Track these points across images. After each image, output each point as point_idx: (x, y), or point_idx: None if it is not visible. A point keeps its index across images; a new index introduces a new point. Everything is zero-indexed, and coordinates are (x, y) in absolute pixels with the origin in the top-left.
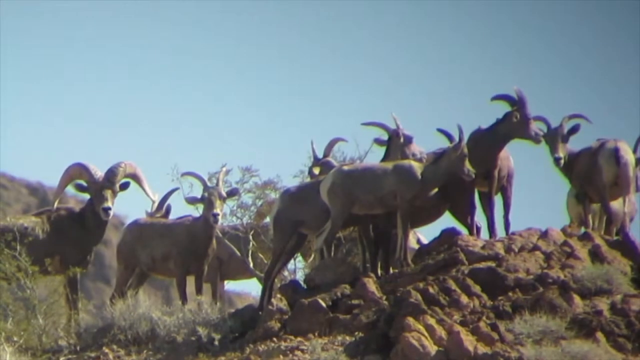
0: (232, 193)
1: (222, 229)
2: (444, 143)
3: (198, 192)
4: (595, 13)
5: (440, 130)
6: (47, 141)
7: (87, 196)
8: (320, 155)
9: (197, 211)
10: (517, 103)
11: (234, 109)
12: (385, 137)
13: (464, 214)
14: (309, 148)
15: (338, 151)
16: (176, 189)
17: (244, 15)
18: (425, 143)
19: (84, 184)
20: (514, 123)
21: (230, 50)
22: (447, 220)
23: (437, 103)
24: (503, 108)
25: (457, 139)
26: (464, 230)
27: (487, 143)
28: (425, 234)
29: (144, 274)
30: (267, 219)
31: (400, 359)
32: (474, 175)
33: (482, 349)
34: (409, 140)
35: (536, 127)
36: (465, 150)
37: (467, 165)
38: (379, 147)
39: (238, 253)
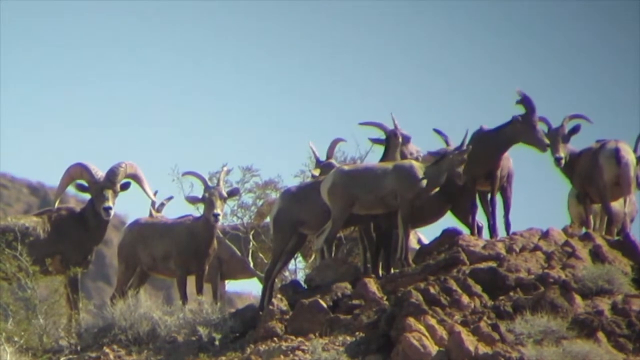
0: (233, 193)
1: (222, 229)
2: (441, 143)
3: (199, 191)
4: (596, 13)
5: (437, 131)
6: (48, 141)
7: (87, 196)
8: (322, 157)
9: (197, 211)
10: (528, 108)
11: (235, 109)
12: (382, 136)
13: (465, 214)
14: (309, 149)
15: (338, 151)
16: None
17: (245, 15)
18: (424, 143)
19: (85, 184)
20: (520, 126)
21: (230, 50)
22: (448, 220)
23: (436, 103)
24: (503, 109)
25: (451, 140)
26: (465, 230)
27: (491, 144)
28: (426, 233)
29: (145, 274)
30: (268, 219)
31: (401, 359)
32: (462, 182)
33: (483, 349)
34: (407, 140)
35: (543, 135)
36: (466, 155)
37: (461, 169)
38: (379, 146)
39: (239, 253)
